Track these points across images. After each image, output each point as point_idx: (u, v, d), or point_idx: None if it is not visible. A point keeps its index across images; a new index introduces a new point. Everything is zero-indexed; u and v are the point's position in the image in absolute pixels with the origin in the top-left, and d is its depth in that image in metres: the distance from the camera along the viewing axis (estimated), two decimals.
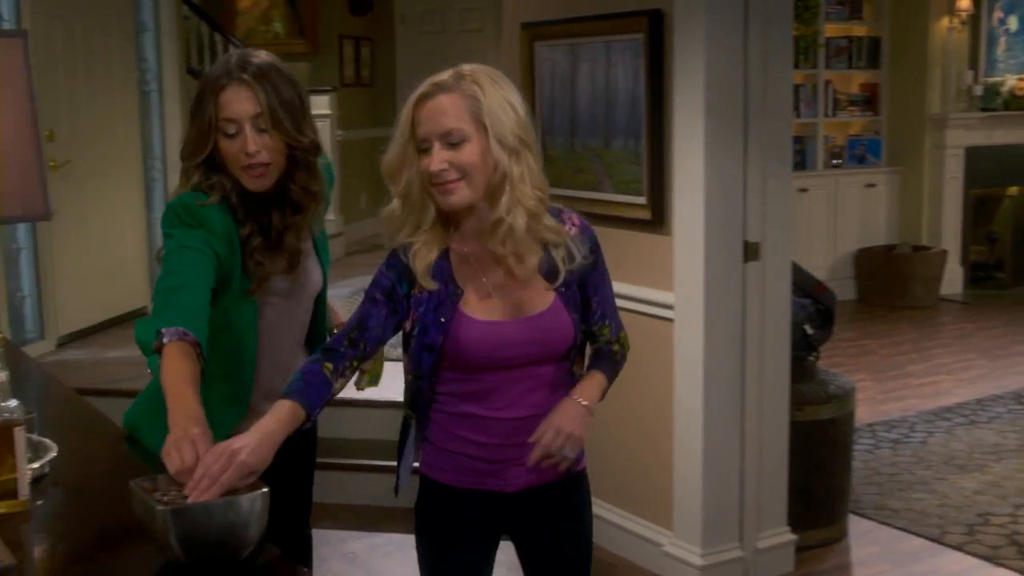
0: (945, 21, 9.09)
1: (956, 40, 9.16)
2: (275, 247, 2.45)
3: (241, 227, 2.39)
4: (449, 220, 2.21)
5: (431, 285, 2.19)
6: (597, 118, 4.14)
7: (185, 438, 1.94)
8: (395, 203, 2.21)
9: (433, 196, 2.15)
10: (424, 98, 2.15)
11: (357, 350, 2.21)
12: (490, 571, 2.45)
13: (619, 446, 4.24)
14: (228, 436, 2.02)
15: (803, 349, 4.36)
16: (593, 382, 2.34)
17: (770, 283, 3.95)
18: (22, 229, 6.17)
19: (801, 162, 8.84)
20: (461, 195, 2.13)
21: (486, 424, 2.27)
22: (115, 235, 6.99)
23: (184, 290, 2.25)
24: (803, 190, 8.62)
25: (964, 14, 9.11)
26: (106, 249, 6.89)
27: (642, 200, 3.99)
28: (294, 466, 2.68)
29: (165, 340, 2.12)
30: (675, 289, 3.92)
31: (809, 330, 4.39)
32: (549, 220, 2.21)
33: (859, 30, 9.24)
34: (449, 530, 2.37)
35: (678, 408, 3.96)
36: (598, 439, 4.43)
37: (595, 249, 2.31)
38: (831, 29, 9.07)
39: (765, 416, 4.01)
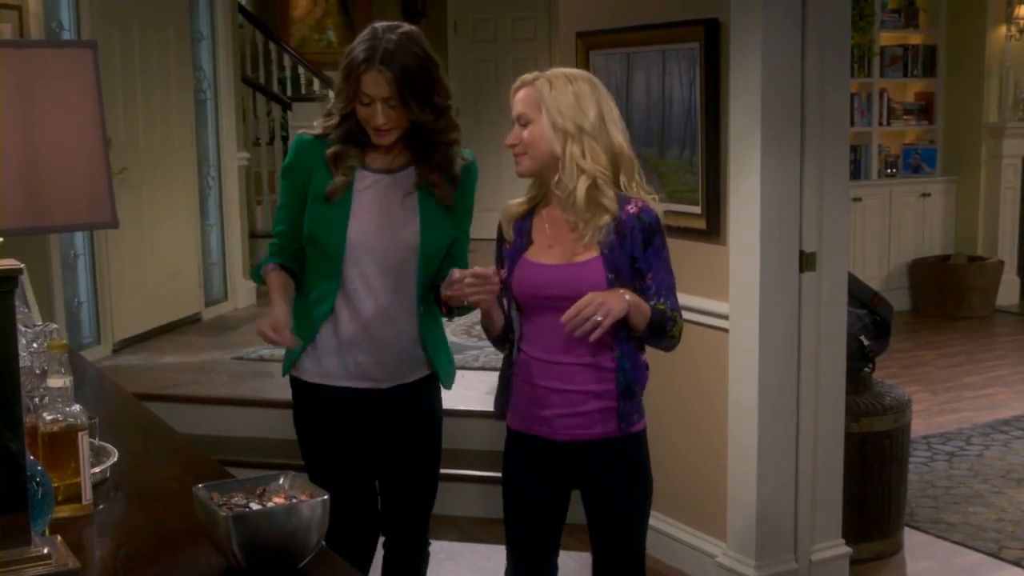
0: (1003, 29, 8.98)
1: (1014, 48, 9.04)
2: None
3: (329, 148, 2.87)
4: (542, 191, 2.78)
5: (509, 235, 2.81)
6: (652, 127, 4.14)
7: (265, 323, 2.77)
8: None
9: None
10: (515, 91, 2.75)
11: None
12: (560, 522, 2.89)
13: (673, 456, 4.23)
14: (314, 335, 2.89)
15: (859, 360, 4.33)
16: (641, 301, 2.66)
17: (826, 294, 3.92)
18: (80, 236, 6.26)
19: (855, 171, 8.76)
20: (524, 165, 2.73)
21: (535, 365, 2.75)
22: (170, 242, 7.07)
23: (281, 237, 2.97)
24: (857, 200, 8.55)
25: (1022, 22, 9.00)
26: (161, 256, 6.96)
27: (697, 210, 3.99)
28: (413, 460, 3.07)
29: (264, 271, 2.96)
30: (730, 299, 3.91)
31: (865, 341, 4.35)
32: (611, 193, 2.68)
33: (915, 38, 9.17)
34: (518, 473, 2.86)
35: (732, 419, 3.95)
36: (652, 448, 4.42)
37: (651, 229, 2.72)
38: (886, 37, 9.01)
39: (820, 428, 3.98)
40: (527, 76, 2.74)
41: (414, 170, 2.88)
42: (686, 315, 4.03)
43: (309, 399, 3.00)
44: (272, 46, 9.16)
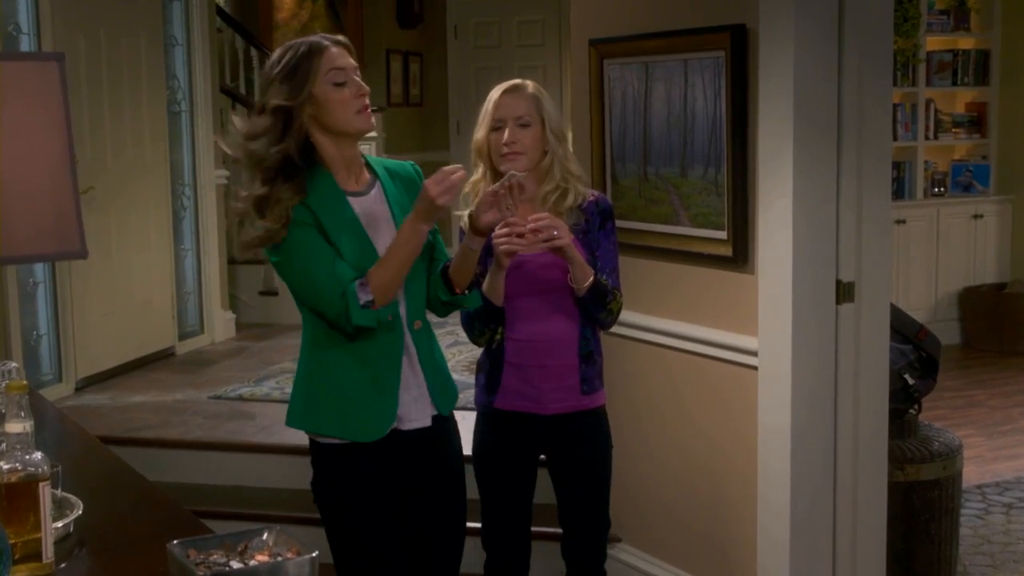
0: None
1: None
2: None
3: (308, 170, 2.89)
4: None
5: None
6: (673, 144, 4.16)
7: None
8: (478, 171, 3.39)
9: (496, 163, 3.31)
10: (505, 93, 3.36)
11: None
12: (531, 487, 3.48)
13: (697, 507, 4.23)
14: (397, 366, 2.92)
15: (903, 401, 4.34)
16: (587, 263, 3.31)
17: (866, 327, 3.93)
18: (39, 263, 6.28)
19: (899, 191, 8.79)
20: (521, 164, 3.26)
21: (520, 346, 3.36)
22: (140, 269, 7.09)
23: (332, 268, 2.81)
24: (901, 222, 8.58)
25: None
26: (130, 284, 6.98)
27: (723, 235, 4.00)
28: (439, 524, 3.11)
29: (364, 294, 2.78)
30: (759, 334, 3.91)
31: (910, 380, 4.36)
32: (581, 187, 3.42)
33: (965, 43, 9.18)
34: (495, 448, 3.44)
35: (763, 466, 3.95)
36: (675, 500, 4.43)
37: (606, 213, 3.44)
38: (933, 42, 9.02)
39: (860, 476, 3.98)
40: (517, 81, 3.42)
41: (380, 186, 3.00)
42: (710, 351, 4.08)
43: (366, 457, 2.94)
44: (254, 52, 9.19)
